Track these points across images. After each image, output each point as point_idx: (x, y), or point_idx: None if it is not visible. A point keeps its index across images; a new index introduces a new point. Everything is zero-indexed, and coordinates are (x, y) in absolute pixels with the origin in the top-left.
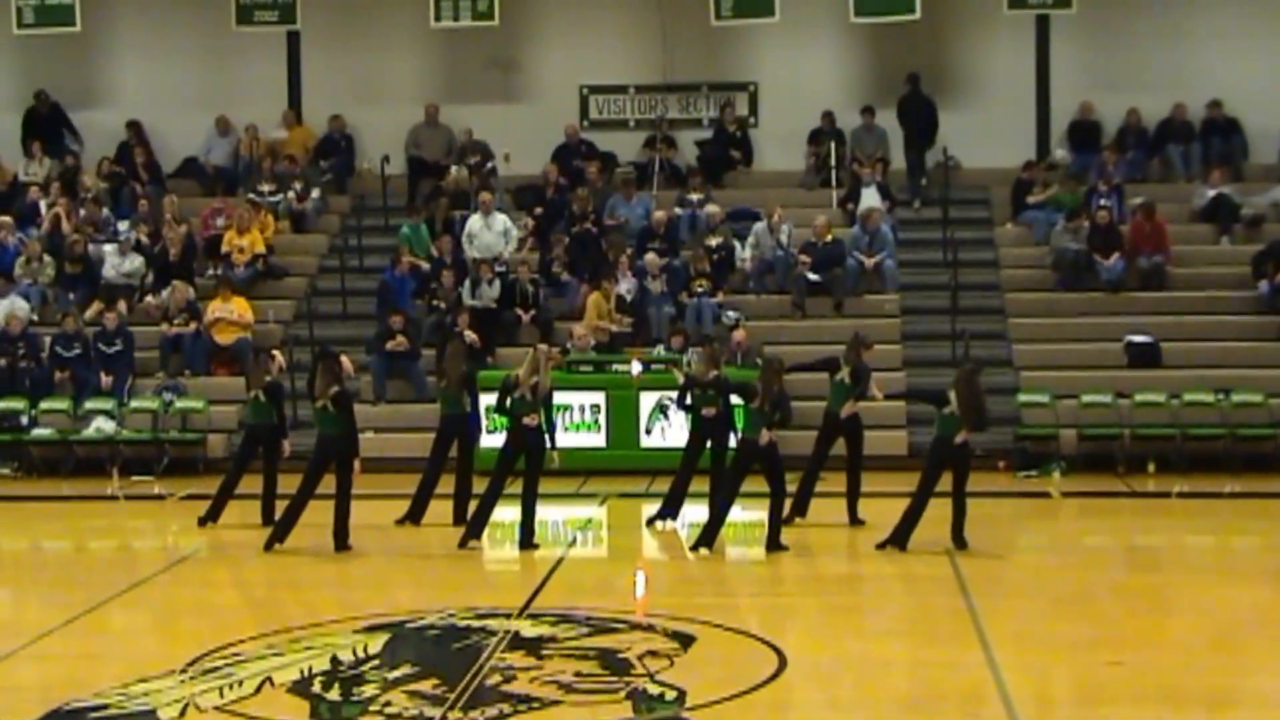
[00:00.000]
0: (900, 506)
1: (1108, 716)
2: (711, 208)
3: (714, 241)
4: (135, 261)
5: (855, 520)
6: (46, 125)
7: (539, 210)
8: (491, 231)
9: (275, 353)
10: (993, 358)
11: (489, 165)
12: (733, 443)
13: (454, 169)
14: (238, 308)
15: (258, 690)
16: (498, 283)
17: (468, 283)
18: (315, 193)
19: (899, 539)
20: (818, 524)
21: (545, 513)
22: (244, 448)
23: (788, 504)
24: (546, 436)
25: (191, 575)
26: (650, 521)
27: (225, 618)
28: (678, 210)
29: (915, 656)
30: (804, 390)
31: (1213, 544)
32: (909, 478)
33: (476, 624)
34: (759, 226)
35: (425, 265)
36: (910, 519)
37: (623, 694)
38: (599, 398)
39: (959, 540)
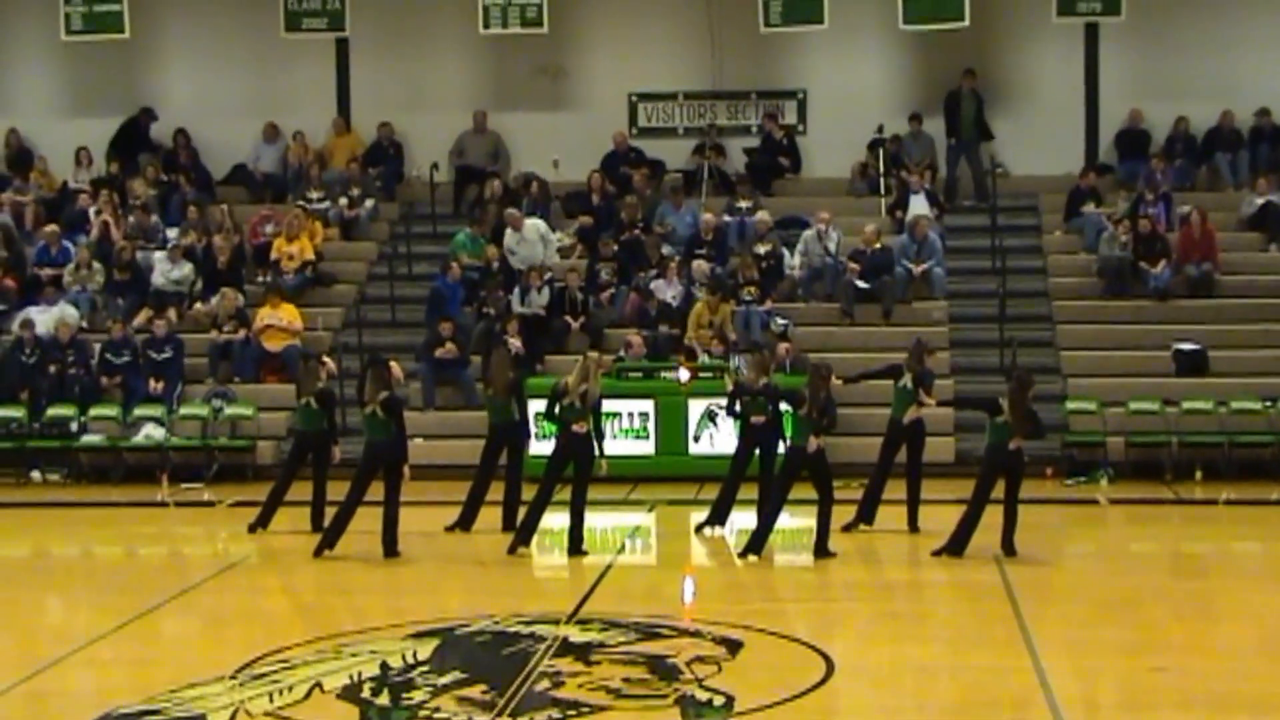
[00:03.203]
0: (949, 512)
1: None
2: (760, 215)
3: (762, 249)
4: (184, 269)
5: (914, 527)
6: (141, 139)
7: (587, 218)
8: (528, 242)
9: (326, 359)
10: (1040, 365)
11: (533, 182)
12: (781, 450)
13: (487, 182)
14: (287, 315)
15: (307, 696)
16: (547, 290)
17: (517, 290)
18: (369, 202)
19: (955, 546)
20: (877, 530)
21: (594, 519)
22: (294, 454)
23: (852, 511)
24: (595, 444)
25: (241, 581)
26: (699, 528)
27: (275, 623)
28: (726, 218)
29: (962, 662)
30: (864, 398)
31: (1259, 551)
32: (957, 484)
33: (525, 630)
34: (807, 234)
35: (477, 273)
36: (966, 526)
37: (671, 699)
38: (648, 405)
39: (1008, 547)
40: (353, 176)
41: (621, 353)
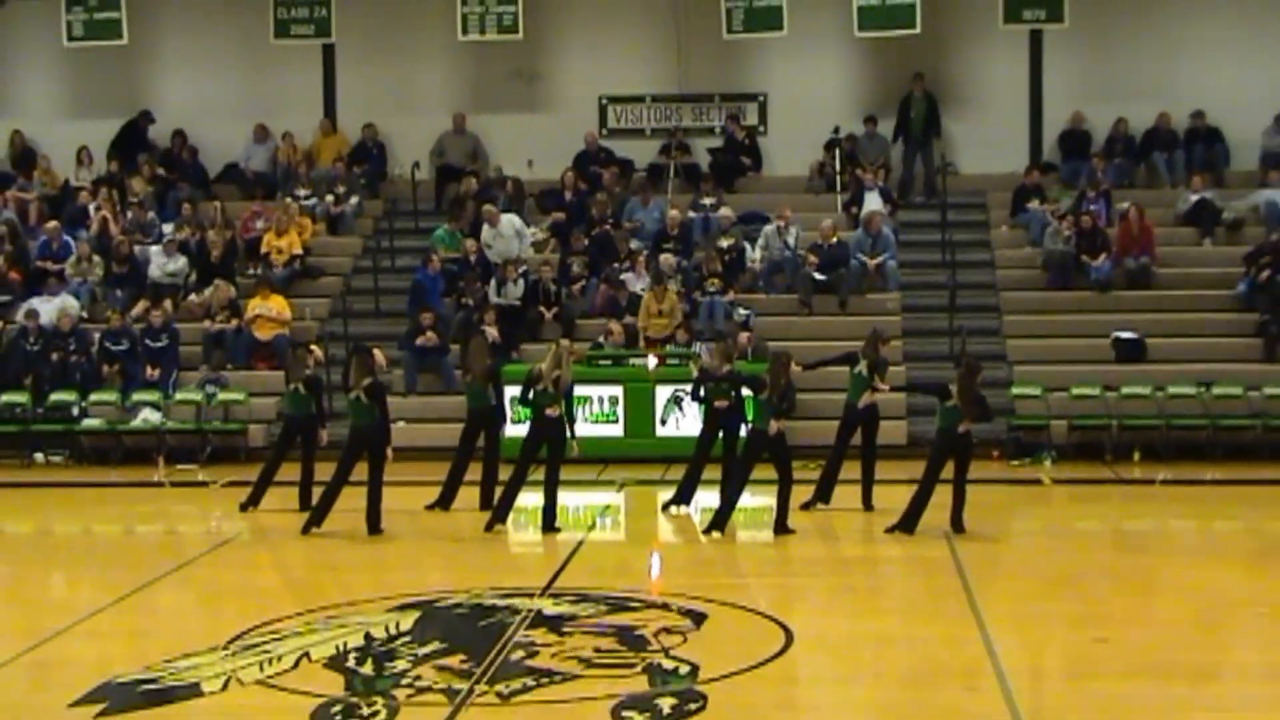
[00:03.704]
0: (901, 492)
1: (1096, 690)
2: (723, 211)
3: (725, 243)
4: (179, 262)
5: (869, 506)
6: (139, 140)
7: (560, 214)
8: (504, 237)
9: (313, 347)
10: (988, 353)
11: (502, 182)
12: (743, 432)
13: (464, 180)
14: (276, 306)
15: (296, 665)
16: (522, 282)
17: (493, 282)
18: (354, 199)
19: (907, 524)
20: (834, 508)
21: (566, 498)
22: (283, 437)
23: (810, 490)
24: (567, 427)
25: (233, 557)
26: (665, 507)
27: (265, 597)
28: (691, 214)
29: (915, 633)
30: (821, 384)
31: (1195, 528)
32: (908, 465)
33: (501, 603)
34: (768, 229)
35: (456, 266)
36: (917, 505)
37: (639, 668)
38: (617, 390)
39: (958, 524)
40: (339, 175)
41: (601, 339)
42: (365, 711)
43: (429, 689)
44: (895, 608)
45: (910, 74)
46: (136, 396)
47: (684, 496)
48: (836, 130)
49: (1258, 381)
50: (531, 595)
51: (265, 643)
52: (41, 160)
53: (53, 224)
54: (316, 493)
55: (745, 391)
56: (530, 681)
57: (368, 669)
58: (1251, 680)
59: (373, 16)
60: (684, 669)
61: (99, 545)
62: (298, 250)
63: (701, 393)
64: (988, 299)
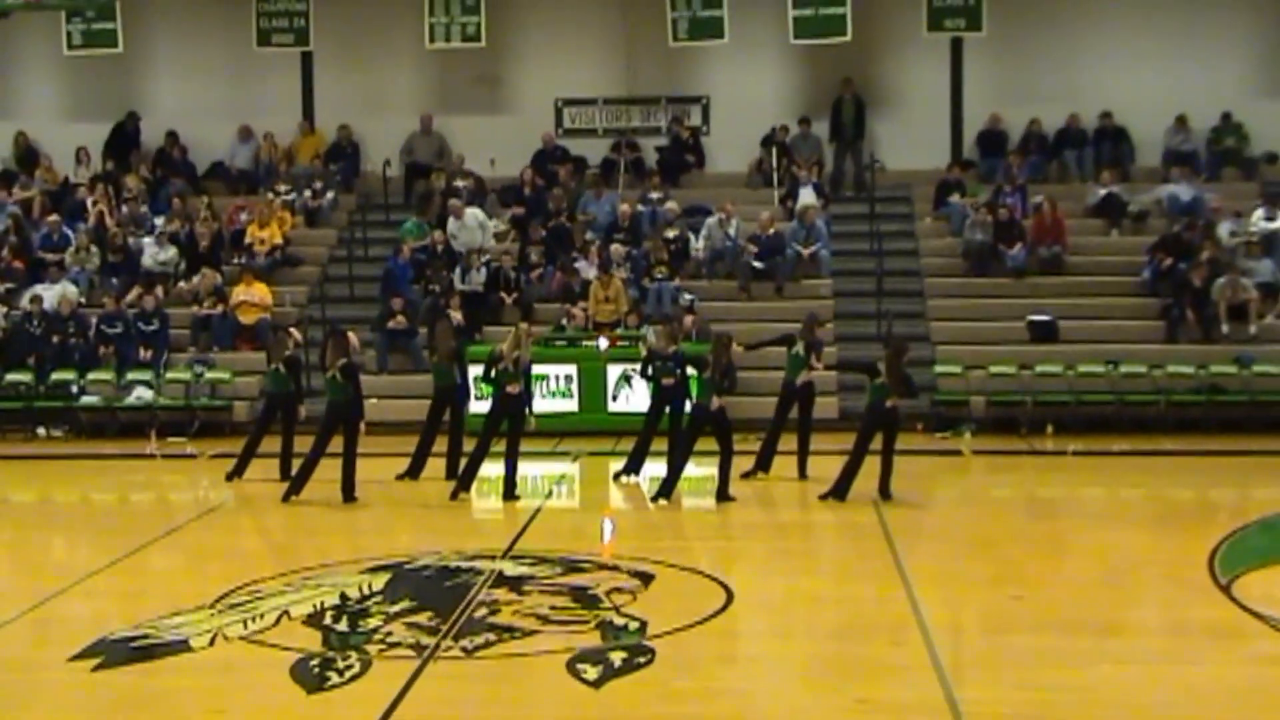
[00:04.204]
0: (833, 462)
1: (1011, 643)
2: (669, 204)
3: (671, 234)
4: (170, 252)
5: (804, 475)
6: (129, 139)
7: (520, 208)
8: (468, 228)
9: (292, 330)
10: (913, 334)
11: (466, 177)
12: (688, 408)
13: (434, 176)
14: (259, 292)
15: (277, 622)
16: (485, 270)
17: (458, 270)
18: (330, 194)
19: (839, 492)
20: (772, 477)
21: (525, 469)
22: (265, 413)
23: (751, 460)
24: (527, 403)
25: (219, 523)
26: (616, 476)
27: (249, 560)
28: (640, 207)
29: (846, 593)
30: (760, 363)
31: (1103, 495)
32: (840, 438)
33: (466, 564)
34: (710, 221)
35: (424, 255)
36: (848, 474)
37: (593, 624)
38: (571, 369)
39: (885, 492)
40: (316, 172)
41: (564, 322)
42: (341, 665)
43: (399, 644)
44: (828, 569)
45: (842, 78)
46: (130, 376)
47: (634, 467)
48: (773, 130)
49: (1160, 360)
50: (493, 558)
51: (249, 602)
52: (43, 159)
53: (53, 217)
54: (296, 464)
55: (690, 370)
56: (492, 637)
57: (343, 626)
58: (1151, 635)
59: (347, 26)
60: (633, 625)
61: (96, 512)
62: (278, 241)
63: (649, 371)
64: (913, 285)
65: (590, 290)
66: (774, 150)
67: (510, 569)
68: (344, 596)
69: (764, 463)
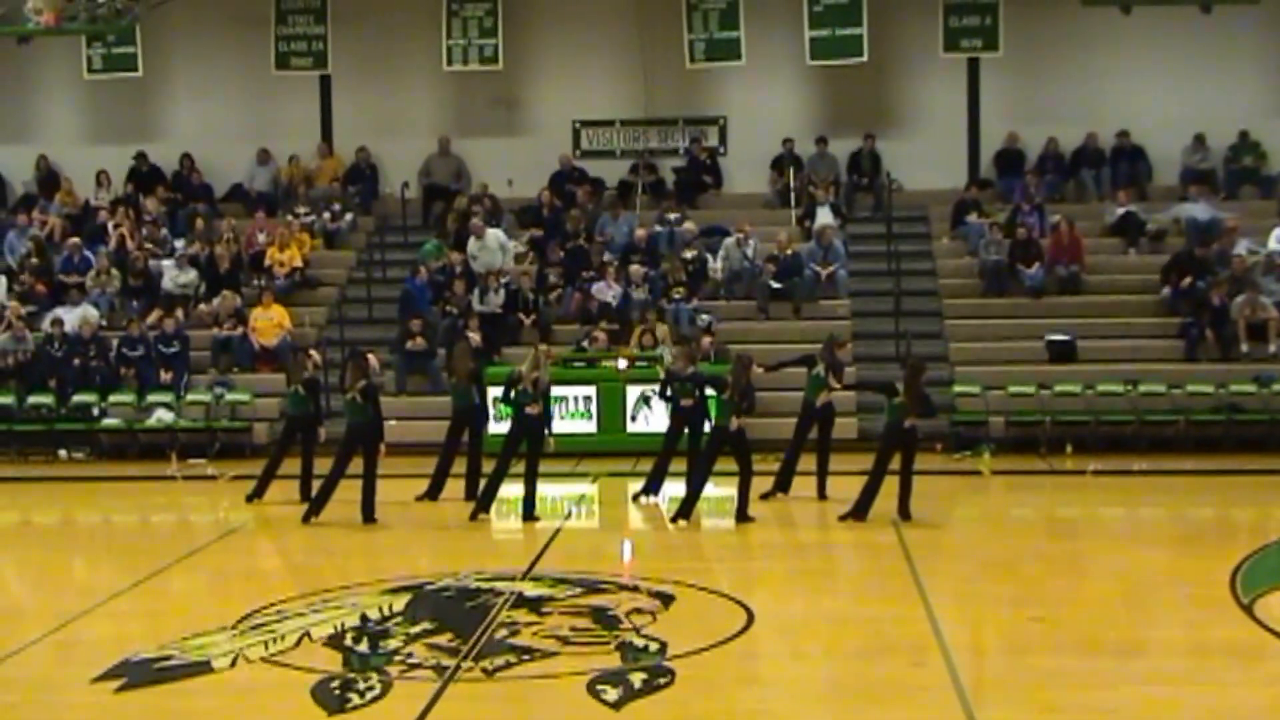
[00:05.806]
0: (853, 482)
1: (1032, 664)
2: (687, 225)
3: (689, 255)
4: (190, 274)
5: (823, 496)
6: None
7: (538, 229)
8: (488, 249)
9: (312, 352)
10: (931, 354)
11: (485, 199)
12: (707, 429)
13: (456, 199)
14: (278, 314)
15: (297, 643)
16: (503, 291)
17: (477, 291)
18: (349, 216)
19: (859, 512)
20: (791, 498)
21: (545, 489)
22: (285, 434)
23: (770, 481)
24: (545, 424)
25: (240, 544)
26: (636, 497)
27: (269, 581)
28: (658, 228)
29: (866, 613)
30: (780, 384)
31: (1123, 515)
32: (859, 458)
33: (486, 585)
34: (728, 241)
35: (442, 276)
36: (868, 495)
37: (612, 646)
38: (590, 390)
39: (904, 512)
40: (335, 194)
41: (584, 343)
42: (362, 686)
43: (420, 665)
44: (847, 589)
45: (859, 98)
46: (151, 398)
47: (653, 487)
48: (787, 145)
49: (1179, 380)
50: (513, 579)
51: (270, 623)
52: (64, 182)
53: (74, 240)
54: (316, 485)
55: (709, 391)
56: (513, 658)
57: (363, 647)
58: (1174, 655)
59: (365, 49)
60: (653, 646)
61: (117, 534)
62: (298, 263)
63: (668, 392)
64: (930, 305)
65: (633, 333)
66: (791, 170)
67: (530, 590)
68: (364, 618)
69: (783, 483)
